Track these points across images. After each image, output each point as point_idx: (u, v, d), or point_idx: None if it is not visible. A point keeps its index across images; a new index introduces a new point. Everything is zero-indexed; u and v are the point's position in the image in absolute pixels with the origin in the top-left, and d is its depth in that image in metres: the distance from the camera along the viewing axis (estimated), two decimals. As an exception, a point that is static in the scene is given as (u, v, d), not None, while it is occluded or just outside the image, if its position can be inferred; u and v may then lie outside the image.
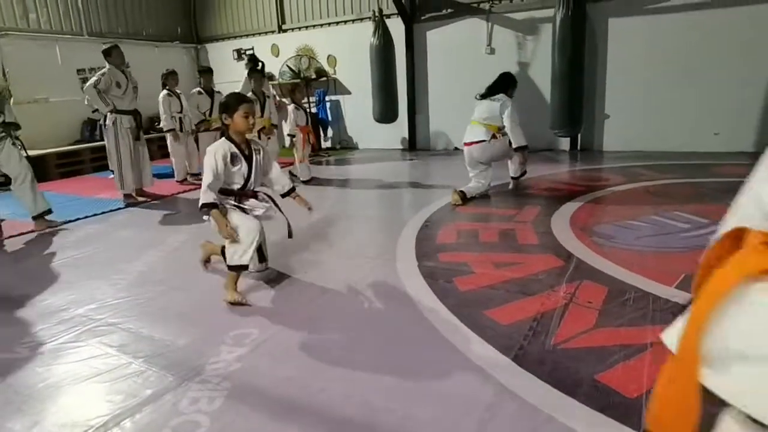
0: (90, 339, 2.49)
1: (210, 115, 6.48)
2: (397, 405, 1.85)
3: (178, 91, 6.63)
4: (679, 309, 2.42)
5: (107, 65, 5.32)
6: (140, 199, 5.73)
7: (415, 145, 9.19)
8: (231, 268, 2.84)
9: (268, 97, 6.36)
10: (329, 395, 1.94)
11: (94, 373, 2.17)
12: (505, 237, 3.79)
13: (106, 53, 5.32)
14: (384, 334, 2.40)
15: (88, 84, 5.30)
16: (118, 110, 5.40)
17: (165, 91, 6.51)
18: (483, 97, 4.97)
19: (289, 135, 6.29)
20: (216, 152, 2.80)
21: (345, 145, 9.90)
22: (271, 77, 10.07)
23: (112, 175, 5.98)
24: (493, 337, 2.26)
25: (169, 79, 6.55)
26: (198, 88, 6.61)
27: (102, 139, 5.98)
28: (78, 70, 8.64)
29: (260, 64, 7.58)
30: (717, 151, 6.79)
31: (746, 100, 6.65)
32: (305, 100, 6.25)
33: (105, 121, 5.48)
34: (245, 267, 2.87)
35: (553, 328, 2.31)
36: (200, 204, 2.75)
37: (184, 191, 6.26)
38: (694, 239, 3.50)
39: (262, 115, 6.12)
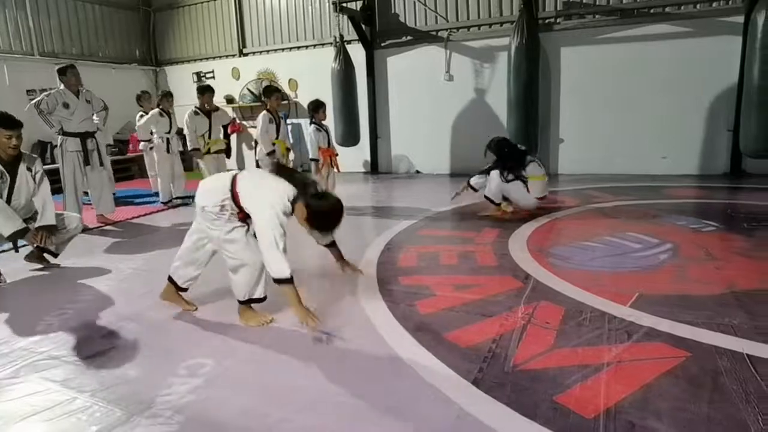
0: (30, 374, 2.34)
1: (210, 136, 6.29)
2: (356, 434, 1.81)
3: (170, 112, 6.66)
4: (634, 328, 2.49)
5: (60, 85, 5.18)
6: (91, 226, 5.50)
7: (377, 168, 9.25)
8: (245, 302, 2.74)
9: (282, 118, 6.22)
10: (289, 426, 1.87)
11: (32, 411, 2.03)
12: (465, 259, 3.82)
13: (61, 72, 5.19)
14: (344, 361, 2.36)
15: (30, 104, 5.13)
16: (65, 132, 5.23)
17: (156, 110, 6.59)
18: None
19: (312, 160, 5.80)
20: (279, 200, 2.48)
21: (307, 168, 9.85)
22: (231, 100, 10.01)
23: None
24: (454, 360, 2.25)
25: (164, 100, 6.64)
26: (194, 108, 6.25)
27: (54, 162, 5.77)
28: (28, 91, 8.33)
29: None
30: (665, 174, 7.13)
31: (690, 126, 7.04)
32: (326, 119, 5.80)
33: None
34: (263, 299, 2.77)
35: (512, 350, 2.33)
36: (277, 277, 2.50)
37: (139, 216, 6.07)
38: (646, 259, 3.62)
39: (277, 137, 5.99)
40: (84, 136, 5.32)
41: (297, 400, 2.05)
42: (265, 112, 5.89)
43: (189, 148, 6.18)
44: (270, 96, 5.96)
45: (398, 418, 1.88)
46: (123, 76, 10.30)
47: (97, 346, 2.62)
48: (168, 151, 6.60)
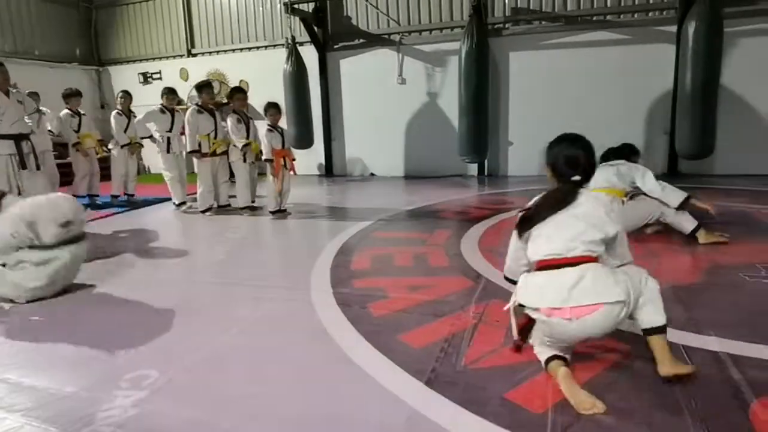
0: (-45, 394, 2.17)
1: (216, 136, 5.94)
2: (308, 440, 1.78)
3: (173, 109, 6.39)
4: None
5: None
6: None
7: (331, 170, 9.21)
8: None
9: (251, 118, 6.02)
10: (236, 436, 1.82)
11: (-43, 434, 1.89)
12: (418, 260, 3.85)
13: None
14: (295, 367, 2.32)
15: None
16: None
17: (158, 106, 6.30)
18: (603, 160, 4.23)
19: (266, 160, 5.65)
20: None
21: (260, 171, 9.69)
22: (179, 102, 9.70)
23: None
24: (406, 361, 2.26)
25: (167, 96, 6.33)
26: (195, 106, 5.93)
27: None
28: (-46, 91, 7.79)
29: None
30: (608, 175, 7.43)
31: (630, 129, 7.37)
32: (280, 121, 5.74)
33: None
34: None
35: (464, 349, 2.36)
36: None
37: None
38: (590, 257, 3.75)
39: (247, 136, 5.81)
40: (18, 138, 5.00)
41: (246, 409, 1.99)
42: (232, 113, 5.85)
43: (188, 150, 5.90)
44: (231, 98, 5.93)
45: (349, 423, 1.87)
46: (62, 75, 9.80)
47: (30, 361, 2.47)
48: (168, 150, 6.27)
